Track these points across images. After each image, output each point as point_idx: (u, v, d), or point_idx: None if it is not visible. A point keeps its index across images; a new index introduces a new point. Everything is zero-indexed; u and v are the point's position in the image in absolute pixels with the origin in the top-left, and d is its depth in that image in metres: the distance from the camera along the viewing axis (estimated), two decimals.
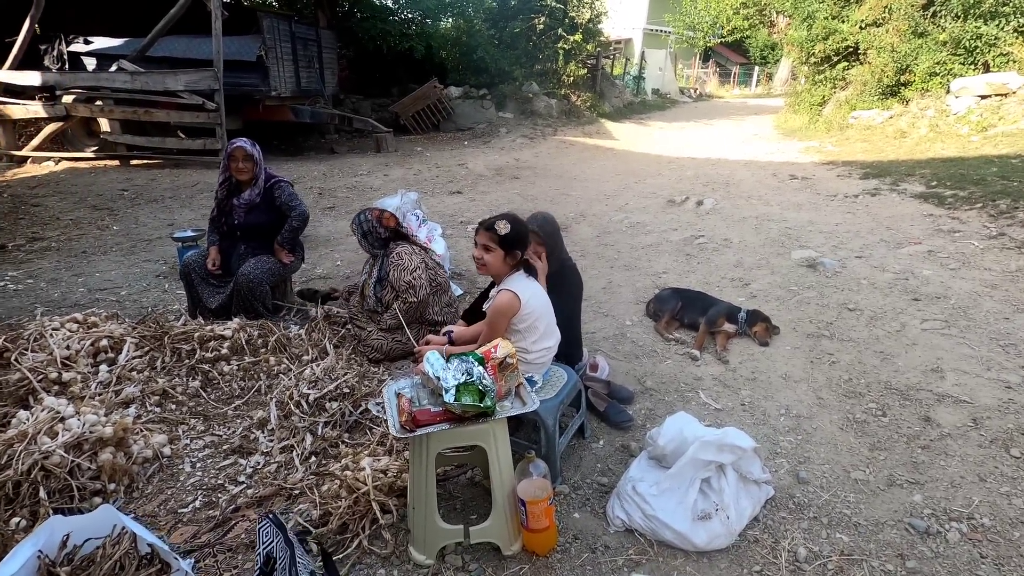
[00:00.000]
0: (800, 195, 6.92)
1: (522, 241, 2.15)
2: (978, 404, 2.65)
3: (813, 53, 12.92)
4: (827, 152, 9.71)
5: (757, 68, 30.89)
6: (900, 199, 6.34)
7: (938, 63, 10.30)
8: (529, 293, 2.14)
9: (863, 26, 11.71)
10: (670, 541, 1.89)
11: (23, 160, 8.32)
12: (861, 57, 11.97)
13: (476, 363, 1.77)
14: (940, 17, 10.64)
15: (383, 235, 3.24)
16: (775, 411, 2.68)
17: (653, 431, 2.13)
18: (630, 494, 1.99)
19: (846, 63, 12.46)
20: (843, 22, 12.20)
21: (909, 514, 2.03)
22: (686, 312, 3.55)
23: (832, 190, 7.00)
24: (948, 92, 10.09)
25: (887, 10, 11.23)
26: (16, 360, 2.60)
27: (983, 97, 9.46)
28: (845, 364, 3.07)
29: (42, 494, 1.93)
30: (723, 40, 26.09)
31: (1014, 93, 9.12)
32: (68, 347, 2.73)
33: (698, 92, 26.86)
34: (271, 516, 1.38)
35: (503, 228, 2.09)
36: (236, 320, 3.12)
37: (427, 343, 2.48)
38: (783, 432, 2.52)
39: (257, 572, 1.29)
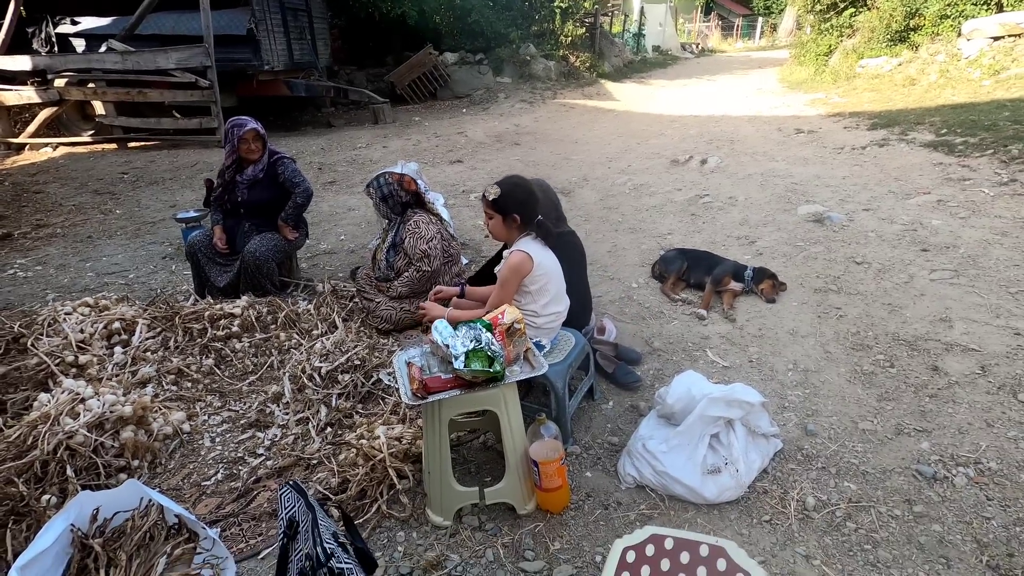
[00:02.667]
0: (806, 149, 6.79)
1: (520, 203, 2.16)
2: (986, 352, 2.65)
3: (819, 0, 12.49)
4: (834, 104, 9.47)
5: (761, 19, 29.93)
6: (909, 149, 6.21)
7: (949, 4, 9.93)
8: (541, 254, 2.15)
9: None
10: (681, 495, 1.94)
11: (21, 147, 8.28)
12: (869, 2, 11.55)
13: (484, 329, 1.79)
14: None
15: (404, 199, 3.18)
16: (783, 366, 2.70)
17: (661, 390, 2.16)
18: (640, 452, 2.03)
19: (853, 9, 12.05)
20: None
21: (916, 461, 2.06)
22: (692, 272, 3.54)
23: (839, 143, 6.86)
24: (959, 35, 9.75)
25: None
26: (32, 345, 2.65)
27: (996, 39, 9.13)
28: (853, 317, 3.07)
29: (69, 472, 1.99)
30: None
31: None
32: (82, 330, 2.77)
33: (700, 47, 26.10)
34: (291, 483, 1.42)
35: (491, 193, 2.14)
36: (244, 298, 3.15)
37: (439, 292, 2.49)
38: (791, 387, 2.55)
39: (281, 535, 1.33)
